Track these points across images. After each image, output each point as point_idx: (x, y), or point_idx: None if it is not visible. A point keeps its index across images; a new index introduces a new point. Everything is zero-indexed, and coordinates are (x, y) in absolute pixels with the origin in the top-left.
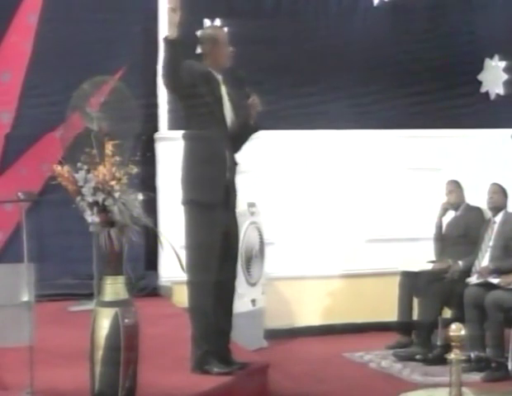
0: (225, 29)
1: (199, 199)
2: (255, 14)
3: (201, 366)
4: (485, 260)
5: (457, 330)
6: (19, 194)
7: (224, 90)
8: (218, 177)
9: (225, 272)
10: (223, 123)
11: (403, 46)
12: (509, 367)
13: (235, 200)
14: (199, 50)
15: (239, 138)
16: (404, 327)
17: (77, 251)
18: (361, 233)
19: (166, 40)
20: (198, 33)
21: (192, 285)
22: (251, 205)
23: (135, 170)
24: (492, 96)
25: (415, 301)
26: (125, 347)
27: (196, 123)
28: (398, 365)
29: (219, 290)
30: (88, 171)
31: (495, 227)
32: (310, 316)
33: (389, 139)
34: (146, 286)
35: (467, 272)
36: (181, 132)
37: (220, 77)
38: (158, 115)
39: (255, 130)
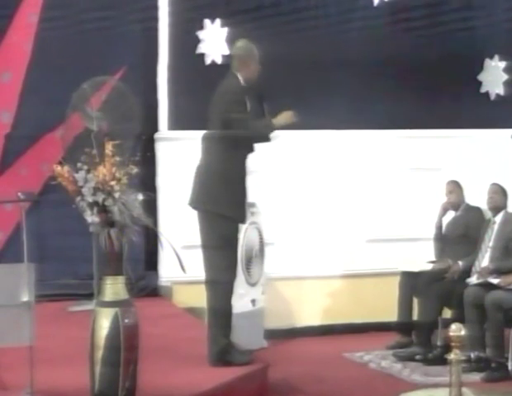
0: (255, 48)
1: (231, 215)
2: (255, 14)
3: (223, 358)
4: (485, 260)
5: (457, 330)
6: (19, 194)
7: (248, 105)
8: (246, 193)
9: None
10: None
11: (403, 46)
12: (509, 367)
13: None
14: (199, 50)
15: None
16: (404, 327)
17: (77, 251)
18: (361, 233)
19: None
20: (235, 47)
21: (216, 283)
22: (251, 205)
23: (135, 170)
24: (492, 97)
25: (415, 301)
26: (125, 347)
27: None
28: (398, 366)
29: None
30: (88, 171)
31: (495, 227)
32: (310, 316)
33: (389, 139)
34: (146, 286)
35: (467, 272)
36: (183, 132)
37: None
38: (158, 115)
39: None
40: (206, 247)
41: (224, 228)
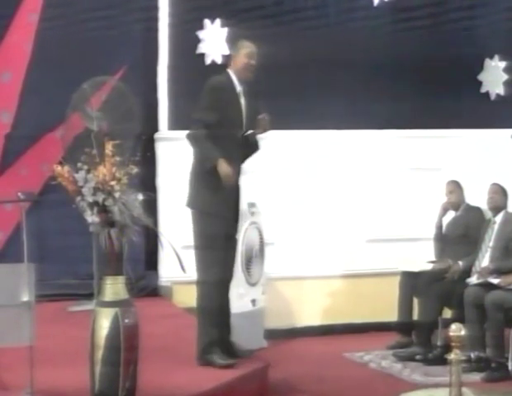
0: (255, 47)
1: (211, 211)
2: (255, 14)
3: (204, 358)
4: (485, 260)
5: (457, 330)
6: (19, 194)
7: (243, 101)
8: (230, 191)
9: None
10: (239, 132)
11: (403, 46)
12: (509, 367)
13: (239, 204)
14: (199, 50)
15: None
16: (404, 327)
17: (77, 251)
18: (361, 233)
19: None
20: (240, 45)
21: (200, 282)
22: (251, 205)
23: (135, 170)
24: (492, 97)
25: (415, 301)
26: (125, 347)
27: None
28: (398, 366)
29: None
30: (88, 171)
31: (495, 227)
32: (310, 316)
33: (389, 139)
34: (146, 286)
35: (467, 272)
36: (183, 132)
37: (239, 88)
38: (158, 115)
39: (255, 149)
40: (194, 246)
41: (207, 227)
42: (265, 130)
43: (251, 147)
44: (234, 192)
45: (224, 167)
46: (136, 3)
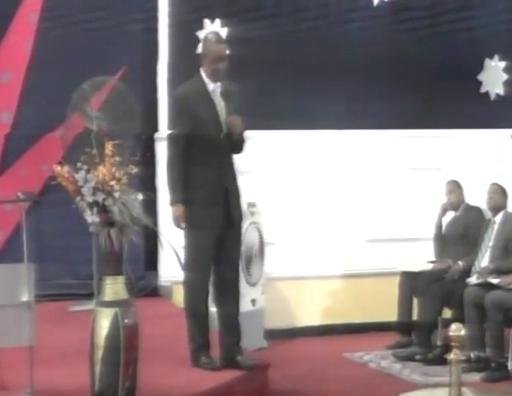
0: (226, 48)
1: (195, 223)
2: (255, 14)
3: (193, 362)
4: (484, 260)
5: (456, 330)
6: (19, 194)
7: (218, 100)
8: (213, 181)
9: (225, 273)
10: (219, 132)
11: (403, 46)
12: (509, 367)
13: (236, 202)
14: (199, 50)
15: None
16: (404, 327)
17: (77, 251)
18: (361, 233)
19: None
20: (201, 42)
21: (185, 283)
22: (251, 205)
23: (134, 170)
24: (492, 96)
25: (415, 301)
26: (124, 347)
27: (194, 129)
28: (398, 366)
29: (220, 290)
30: (88, 171)
31: (495, 227)
32: (310, 316)
33: (389, 139)
34: (146, 286)
35: (467, 272)
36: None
37: (213, 86)
38: (158, 114)
39: (239, 149)
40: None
41: (193, 238)
42: (238, 131)
43: (236, 145)
44: (225, 192)
45: (176, 213)
46: (136, 3)
